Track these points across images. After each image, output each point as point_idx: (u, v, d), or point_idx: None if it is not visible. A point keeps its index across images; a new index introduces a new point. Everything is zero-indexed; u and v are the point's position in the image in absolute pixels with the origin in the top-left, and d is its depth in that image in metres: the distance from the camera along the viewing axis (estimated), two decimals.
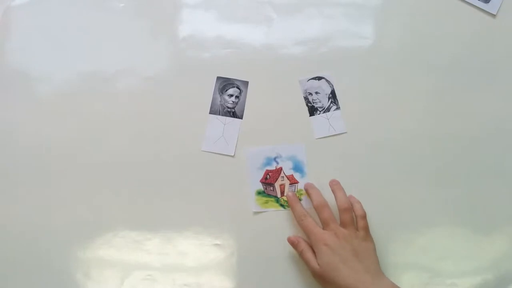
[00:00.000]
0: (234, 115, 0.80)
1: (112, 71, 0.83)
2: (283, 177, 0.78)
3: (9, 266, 0.75)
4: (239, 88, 0.81)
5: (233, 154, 0.79)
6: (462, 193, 0.77)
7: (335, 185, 0.74)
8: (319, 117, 0.80)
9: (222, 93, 0.81)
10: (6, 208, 0.78)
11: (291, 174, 0.78)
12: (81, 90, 0.82)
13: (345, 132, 0.79)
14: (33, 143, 0.80)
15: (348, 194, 0.74)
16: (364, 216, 0.71)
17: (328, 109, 0.80)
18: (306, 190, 0.75)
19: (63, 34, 0.85)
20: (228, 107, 0.80)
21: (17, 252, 0.76)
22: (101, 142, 0.80)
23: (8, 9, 0.86)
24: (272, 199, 0.77)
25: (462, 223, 0.77)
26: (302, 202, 0.76)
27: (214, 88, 0.81)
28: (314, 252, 0.70)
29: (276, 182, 0.78)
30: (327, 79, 0.81)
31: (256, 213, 0.77)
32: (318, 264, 0.68)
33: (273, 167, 0.78)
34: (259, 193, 0.77)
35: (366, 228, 0.71)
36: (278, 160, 0.78)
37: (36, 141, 0.80)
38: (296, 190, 0.77)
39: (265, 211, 0.77)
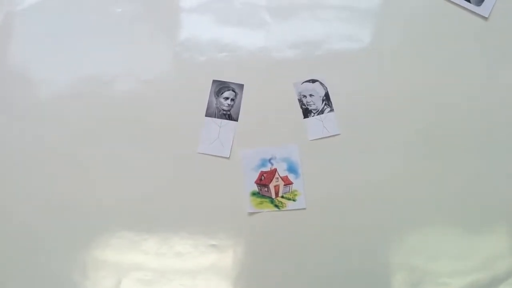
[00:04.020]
0: (229, 117, 0.81)
1: (110, 75, 0.84)
2: (277, 178, 0.79)
3: (7, 267, 0.77)
4: (234, 91, 0.82)
5: (228, 156, 0.80)
6: (454, 193, 0.78)
7: None
8: (313, 119, 0.81)
9: (218, 96, 0.82)
10: (3, 209, 0.79)
11: (285, 175, 0.79)
12: (80, 93, 0.83)
13: (339, 134, 0.80)
14: (32, 145, 0.81)
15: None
16: None
17: (322, 111, 0.81)
18: None
19: (63, 38, 0.86)
20: (224, 110, 0.82)
21: (14, 252, 0.77)
22: (99, 144, 0.81)
23: (8, 14, 0.88)
24: (267, 200, 0.78)
25: (454, 222, 0.77)
26: (297, 202, 0.78)
27: (210, 91, 0.82)
28: None
29: (271, 183, 0.79)
30: (321, 81, 0.82)
31: (251, 213, 0.78)
32: None
33: (267, 168, 0.79)
34: (254, 194, 0.78)
35: None
36: (272, 161, 0.80)
37: (35, 143, 0.81)
38: (290, 191, 0.78)
39: (259, 212, 0.78)
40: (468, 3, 0.85)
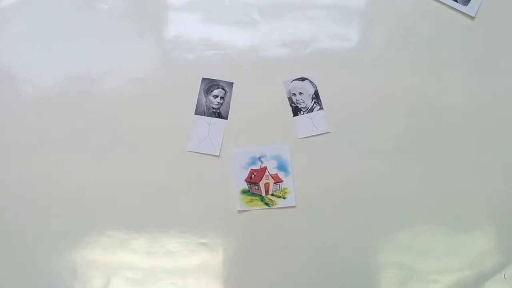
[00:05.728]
0: (219, 115, 0.81)
1: (99, 72, 0.83)
2: (267, 176, 0.79)
3: None
4: (224, 89, 0.82)
5: (218, 154, 0.80)
6: (443, 192, 0.79)
7: None
8: (302, 117, 0.81)
9: (207, 94, 0.82)
10: None
11: (275, 173, 0.79)
12: (67, 90, 0.83)
13: (328, 132, 0.81)
14: (19, 144, 0.80)
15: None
16: None
17: (311, 110, 0.81)
18: None
19: (50, 35, 0.85)
20: (213, 108, 0.82)
21: (4, 252, 0.76)
22: (87, 142, 0.80)
23: None
24: (257, 197, 0.78)
25: (442, 221, 0.78)
26: (287, 200, 0.78)
27: (200, 89, 0.82)
28: None
29: (261, 181, 0.79)
30: (311, 80, 0.83)
31: (241, 211, 0.78)
32: None
33: (257, 166, 0.79)
34: (244, 192, 0.78)
35: None
36: (262, 159, 0.80)
37: (21, 142, 0.80)
38: (280, 188, 0.79)
39: (249, 210, 0.78)
40: (455, 3, 0.86)
